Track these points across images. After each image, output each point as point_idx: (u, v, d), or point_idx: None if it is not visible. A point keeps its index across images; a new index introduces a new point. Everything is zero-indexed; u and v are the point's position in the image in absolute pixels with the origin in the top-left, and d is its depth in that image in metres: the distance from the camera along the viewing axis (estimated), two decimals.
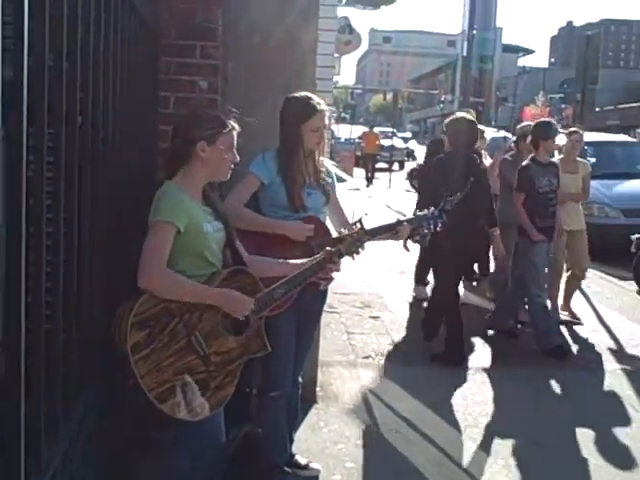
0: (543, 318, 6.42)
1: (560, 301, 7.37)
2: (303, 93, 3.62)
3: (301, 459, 3.96)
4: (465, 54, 19.83)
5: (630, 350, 6.55)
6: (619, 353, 6.49)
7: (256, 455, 2.96)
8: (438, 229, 3.68)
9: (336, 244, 3.29)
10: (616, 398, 5.47)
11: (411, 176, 21.92)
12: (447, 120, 6.43)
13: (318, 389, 5.12)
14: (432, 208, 3.68)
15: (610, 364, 6.19)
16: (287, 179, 3.50)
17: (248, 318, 2.87)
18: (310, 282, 3.30)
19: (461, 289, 7.72)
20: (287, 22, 4.58)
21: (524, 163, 6.55)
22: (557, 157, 7.51)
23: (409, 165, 30.15)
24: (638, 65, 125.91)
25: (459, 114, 6.65)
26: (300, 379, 3.90)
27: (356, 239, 3.29)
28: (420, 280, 8.22)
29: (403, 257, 10.60)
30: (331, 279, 3.58)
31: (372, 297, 8.13)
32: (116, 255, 2.92)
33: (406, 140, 43.04)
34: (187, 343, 2.68)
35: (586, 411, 5.18)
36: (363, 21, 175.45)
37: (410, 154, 36.93)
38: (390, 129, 36.08)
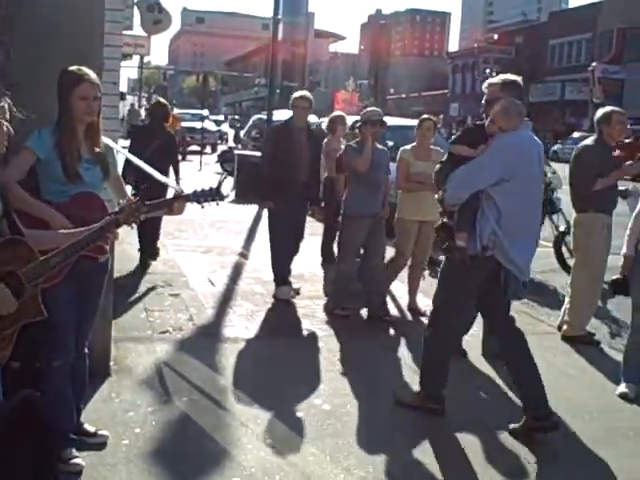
0: None
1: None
2: (75, 66, 3.72)
3: (89, 427, 4.11)
4: (276, 38, 20.12)
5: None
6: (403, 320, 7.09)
7: (37, 419, 3.06)
8: (217, 205, 3.92)
9: (115, 215, 3.47)
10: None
11: (222, 158, 22.04)
12: (150, 104, 8.41)
13: (112, 363, 5.24)
14: (210, 186, 3.90)
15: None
16: (62, 152, 3.62)
17: (23, 284, 2.99)
18: (88, 255, 3.48)
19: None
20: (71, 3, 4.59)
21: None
22: (410, 145, 7.50)
23: (222, 148, 30.29)
24: (442, 54, 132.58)
25: (158, 99, 9.13)
26: (86, 350, 4.01)
27: (134, 210, 3.47)
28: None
29: (209, 237, 10.93)
30: (107, 251, 3.76)
31: (174, 276, 8.26)
32: None
33: (219, 123, 43.07)
34: None
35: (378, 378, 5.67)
36: (175, 0, 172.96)
37: (222, 137, 37.08)
38: (199, 111, 35.81)
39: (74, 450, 3.83)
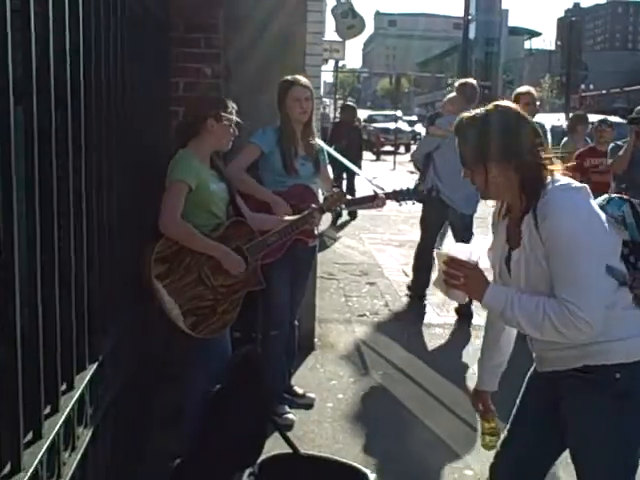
0: None
1: None
2: (290, 76, 4.30)
3: (299, 389, 4.67)
4: (467, 37, 20.25)
5: None
6: None
7: (257, 374, 3.57)
8: (413, 204, 4.36)
9: (321, 204, 4.02)
10: None
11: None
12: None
13: (316, 340, 5.79)
14: (407, 186, 4.34)
15: None
16: (283, 148, 4.20)
17: (247, 258, 3.55)
18: (299, 239, 4.06)
19: None
20: (279, 20, 5.18)
21: None
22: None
23: (414, 148, 30.69)
24: None
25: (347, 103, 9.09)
26: (296, 322, 4.57)
27: (336, 199, 4.01)
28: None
29: (402, 232, 11.37)
30: (316, 236, 4.31)
31: (371, 266, 8.79)
32: (139, 209, 3.51)
33: (412, 123, 43.49)
34: (198, 276, 3.36)
35: None
36: (368, 4, 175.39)
37: (415, 137, 37.53)
38: (393, 112, 36.42)
39: (286, 407, 4.40)
